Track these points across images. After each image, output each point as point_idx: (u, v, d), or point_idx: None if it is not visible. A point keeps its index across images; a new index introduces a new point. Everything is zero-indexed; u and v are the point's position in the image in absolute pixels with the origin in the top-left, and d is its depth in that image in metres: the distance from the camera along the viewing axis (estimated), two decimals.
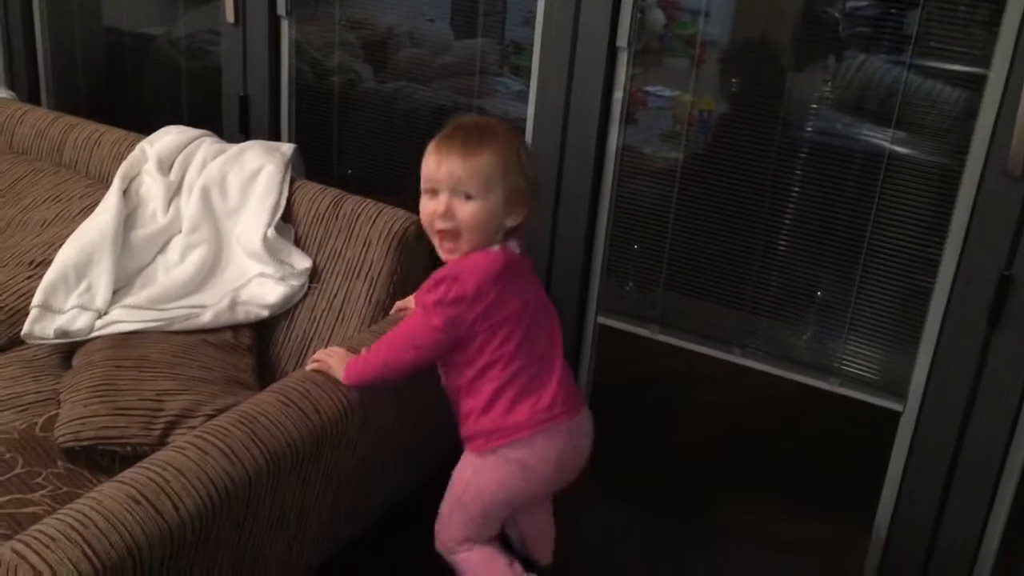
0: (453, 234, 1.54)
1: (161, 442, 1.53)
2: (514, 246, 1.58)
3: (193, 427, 1.51)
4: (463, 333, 1.54)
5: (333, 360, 1.60)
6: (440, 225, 1.54)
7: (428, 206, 1.56)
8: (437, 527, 1.70)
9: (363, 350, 1.62)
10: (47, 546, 1.15)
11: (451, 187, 1.53)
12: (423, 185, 1.57)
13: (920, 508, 1.87)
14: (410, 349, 1.56)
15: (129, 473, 1.30)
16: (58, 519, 1.20)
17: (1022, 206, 1.64)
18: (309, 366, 1.62)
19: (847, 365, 1.93)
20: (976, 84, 1.67)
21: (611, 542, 2.05)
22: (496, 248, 1.55)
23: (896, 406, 1.86)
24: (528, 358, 1.57)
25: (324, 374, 1.59)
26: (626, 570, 1.97)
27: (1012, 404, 1.74)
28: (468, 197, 1.52)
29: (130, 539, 1.20)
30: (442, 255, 1.58)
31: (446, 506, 1.68)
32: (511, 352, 1.56)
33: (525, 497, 1.67)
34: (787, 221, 1.92)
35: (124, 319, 1.81)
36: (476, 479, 1.63)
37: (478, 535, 1.68)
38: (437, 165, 1.53)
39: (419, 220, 1.83)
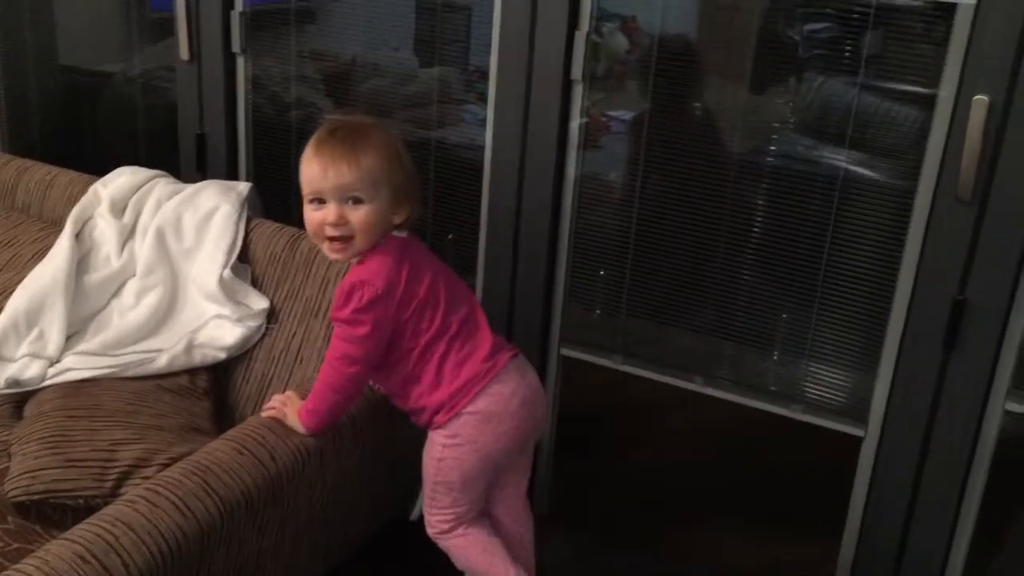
0: (344, 239, 1.53)
1: (114, 493, 1.51)
2: (398, 233, 1.59)
3: (147, 477, 1.49)
4: (391, 329, 1.55)
5: (288, 409, 1.59)
6: (331, 233, 1.53)
7: (315, 216, 1.53)
8: (426, 512, 1.69)
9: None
10: None
11: (339, 195, 1.51)
12: (306, 195, 1.54)
13: (884, 532, 1.87)
14: (348, 367, 1.55)
15: (77, 530, 1.28)
16: None
17: (972, 231, 1.65)
18: (265, 413, 1.60)
19: (809, 391, 1.93)
20: (929, 104, 1.67)
21: (578, 572, 2.04)
22: (381, 243, 1.56)
23: (857, 431, 1.86)
24: (458, 325, 1.59)
25: (281, 423, 1.57)
26: None
27: (971, 426, 1.74)
28: (357, 201, 1.52)
29: None
30: (331, 256, 1.58)
31: (427, 490, 1.66)
32: (441, 325, 1.57)
33: (499, 450, 1.63)
34: (746, 245, 1.92)
35: (77, 366, 1.79)
36: (448, 451, 1.61)
37: (467, 509, 1.66)
38: (323, 173, 1.50)
39: None
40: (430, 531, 1.70)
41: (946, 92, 1.64)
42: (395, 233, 1.59)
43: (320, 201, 1.53)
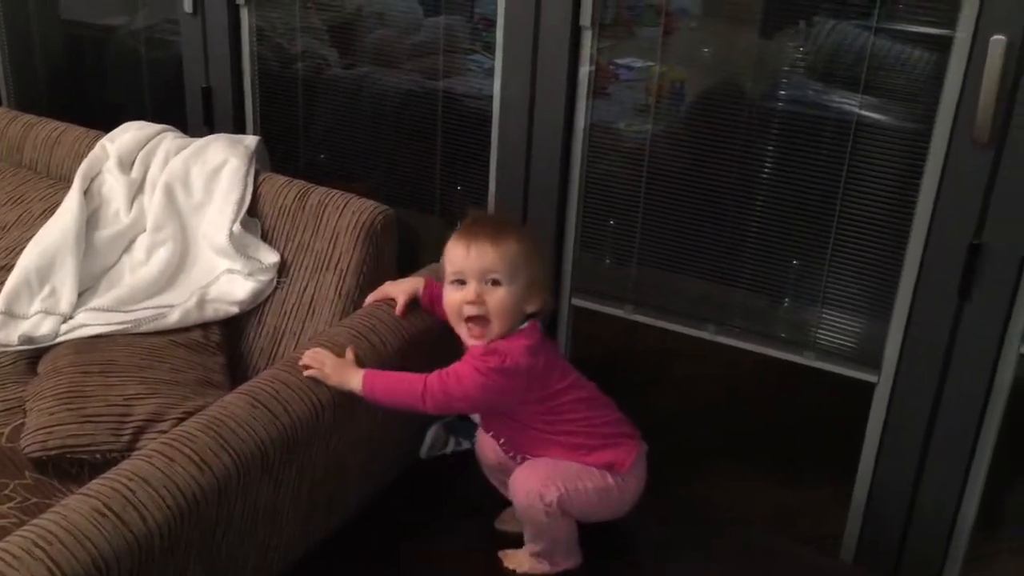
0: (483, 319, 1.57)
1: (131, 448, 1.52)
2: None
3: (164, 431, 1.50)
4: (520, 400, 1.61)
5: (329, 368, 1.56)
6: (470, 312, 1.57)
7: (456, 295, 1.59)
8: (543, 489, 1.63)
9: (379, 367, 1.61)
10: (11, 565, 1.14)
11: (480, 274, 1.56)
12: (449, 276, 1.60)
13: (897, 477, 1.87)
14: (455, 397, 1.56)
15: (95, 484, 1.29)
16: (21, 536, 1.18)
17: (989, 174, 1.63)
18: (306, 374, 1.56)
19: (821, 338, 1.92)
20: (944, 46, 1.64)
21: None
22: (525, 325, 1.60)
23: (871, 377, 1.86)
24: (605, 413, 1.67)
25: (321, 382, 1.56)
26: (608, 544, 1.97)
27: (985, 372, 1.73)
28: (496, 283, 1.56)
29: (96, 553, 1.19)
30: (469, 342, 1.60)
31: (577, 483, 1.64)
32: (587, 418, 1.64)
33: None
34: (758, 192, 1.90)
35: (90, 322, 1.79)
36: (616, 491, 1.67)
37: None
38: (466, 252, 1.56)
39: (388, 211, 1.84)
40: (538, 499, 1.63)
41: (963, 32, 1.61)
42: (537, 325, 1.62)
43: (461, 282, 1.58)
